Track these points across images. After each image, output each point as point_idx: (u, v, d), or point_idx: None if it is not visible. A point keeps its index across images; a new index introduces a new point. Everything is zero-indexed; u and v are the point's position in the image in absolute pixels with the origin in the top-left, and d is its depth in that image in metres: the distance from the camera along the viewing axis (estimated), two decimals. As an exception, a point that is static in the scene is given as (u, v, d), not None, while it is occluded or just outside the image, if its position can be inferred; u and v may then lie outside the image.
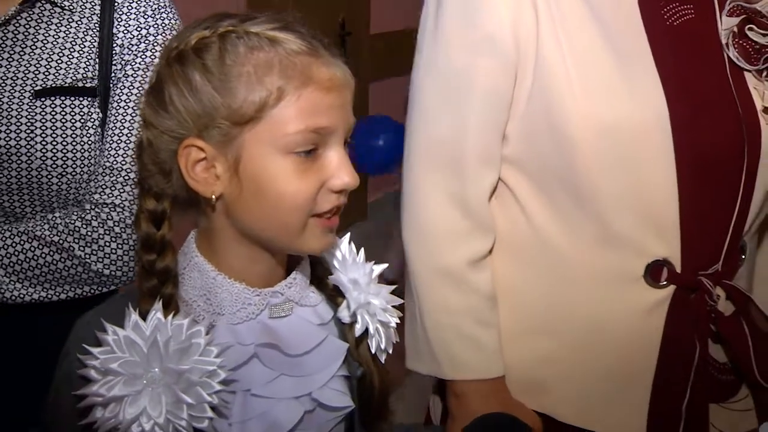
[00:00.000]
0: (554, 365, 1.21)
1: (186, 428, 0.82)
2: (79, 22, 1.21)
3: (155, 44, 1.22)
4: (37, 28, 1.19)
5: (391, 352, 1.00)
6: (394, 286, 1.00)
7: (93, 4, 1.22)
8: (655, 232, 1.15)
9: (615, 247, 1.16)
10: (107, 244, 1.18)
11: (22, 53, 1.18)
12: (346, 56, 0.93)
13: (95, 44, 1.21)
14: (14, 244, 1.15)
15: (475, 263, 1.19)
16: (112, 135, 1.20)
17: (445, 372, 1.21)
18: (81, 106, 1.19)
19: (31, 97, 1.16)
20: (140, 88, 1.20)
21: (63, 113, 1.18)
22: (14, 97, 1.16)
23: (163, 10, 1.25)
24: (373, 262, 1.00)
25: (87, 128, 1.19)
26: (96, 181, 1.19)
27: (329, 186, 0.87)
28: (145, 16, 1.23)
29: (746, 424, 1.27)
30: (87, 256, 1.17)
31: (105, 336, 0.82)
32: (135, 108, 1.20)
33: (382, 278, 1.01)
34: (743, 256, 1.24)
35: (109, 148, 1.19)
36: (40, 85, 1.17)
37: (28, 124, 1.15)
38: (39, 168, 1.15)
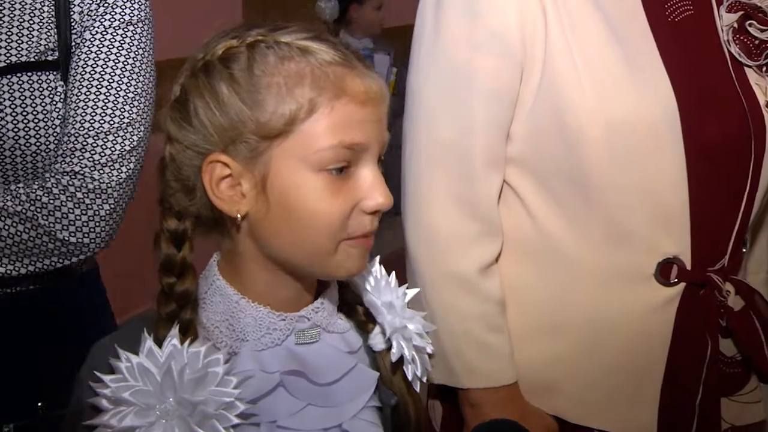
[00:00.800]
0: (563, 366, 1.18)
1: None
2: None
3: (114, 6, 1.18)
4: None
5: (425, 380, 0.95)
6: (425, 312, 0.96)
7: None
8: (664, 230, 1.14)
9: (625, 245, 1.14)
10: (70, 211, 1.13)
11: None
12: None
13: (53, 15, 1.16)
14: None
15: (485, 269, 1.16)
16: (72, 102, 1.16)
17: (460, 381, 1.17)
18: (48, 81, 1.15)
19: None
20: (99, 51, 1.16)
21: (31, 89, 1.14)
22: None
23: None
24: (405, 285, 0.95)
25: (55, 103, 1.15)
26: (60, 149, 1.15)
27: (362, 207, 0.81)
28: None
29: (753, 415, 1.26)
30: (51, 225, 1.13)
31: (118, 363, 0.77)
32: (93, 72, 1.16)
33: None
34: (744, 250, 1.23)
35: (70, 116, 1.15)
36: (4, 62, 1.12)
37: None
38: (12, 147, 1.11)
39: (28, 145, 1.13)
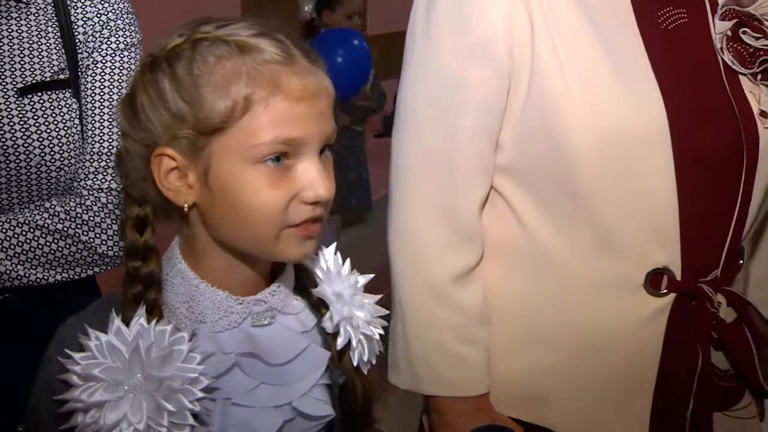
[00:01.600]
0: (553, 377, 1.16)
1: None
2: (37, 15, 1.20)
3: (117, 29, 1.23)
4: (0, 24, 1.18)
5: (374, 362, 0.97)
6: (379, 296, 0.97)
7: None
8: (655, 240, 1.11)
9: (614, 255, 1.12)
10: (109, 226, 1.19)
11: None
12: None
13: (58, 36, 1.20)
14: (17, 235, 1.14)
15: (461, 278, 1.14)
16: (93, 122, 1.20)
17: (426, 388, 1.17)
18: (64, 99, 1.19)
19: (16, 96, 1.15)
20: (111, 74, 1.21)
21: (51, 107, 1.18)
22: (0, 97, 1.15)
23: None
24: (358, 274, 0.96)
25: (73, 119, 1.19)
26: (85, 167, 1.19)
27: (301, 198, 0.83)
28: (102, 2, 1.22)
29: (750, 431, 1.23)
30: (91, 240, 1.18)
31: (87, 341, 0.79)
32: (110, 93, 1.20)
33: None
34: (741, 261, 1.19)
35: (94, 135, 1.19)
36: (21, 83, 1.16)
37: (22, 122, 1.15)
38: (38, 164, 1.15)
39: (53, 161, 1.17)
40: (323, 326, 0.94)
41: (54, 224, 1.16)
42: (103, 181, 1.19)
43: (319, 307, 0.94)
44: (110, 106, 1.20)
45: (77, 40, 1.21)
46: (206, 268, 0.88)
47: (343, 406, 0.96)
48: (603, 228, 1.11)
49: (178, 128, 0.82)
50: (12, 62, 1.17)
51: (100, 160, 1.19)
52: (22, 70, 1.17)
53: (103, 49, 1.21)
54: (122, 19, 1.23)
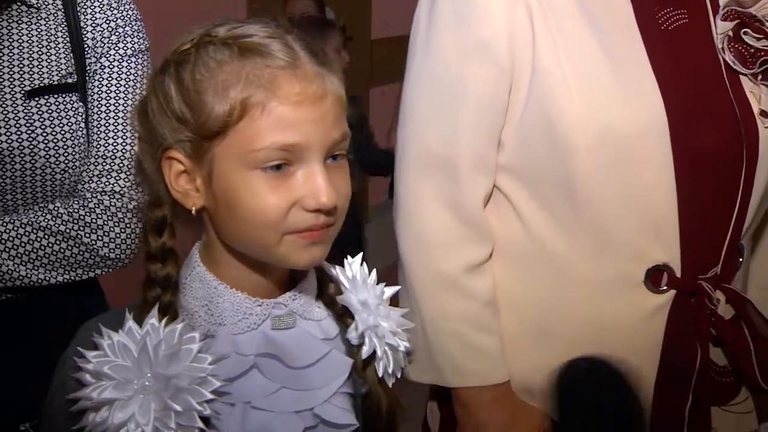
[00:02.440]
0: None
1: None
2: (47, 20, 1.20)
3: (125, 35, 1.24)
4: (11, 29, 1.19)
5: (399, 376, 0.95)
6: (406, 310, 0.96)
7: (56, 1, 1.21)
8: (654, 237, 1.11)
9: (614, 252, 1.12)
10: (111, 229, 1.19)
11: (2, 55, 1.17)
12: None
13: (67, 40, 1.21)
14: (20, 236, 1.15)
15: (472, 269, 1.15)
16: (99, 125, 1.20)
17: (448, 380, 1.16)
18: (71, 102, 1.20)
19: (23, 98, 1.16)
20: (118, 80, 1.22)
21: (57, 111, 1.18)
22: (7, 99, 1.15)
23: (123, 1, 1.26)
24: (384, 284, 0.95)
25: (78, 123, 1.20)
26: (90, 170, 1.19)
27: (302, 205, 0.81)
28: (110, 9, 1.24)
29: (747, 425, 1.23)
30: (93, 242, 1.18)
31: (100, 340, 0.79)
32: (116, 97, 1.21)
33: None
34: (741, 259, 1.19)
35: (99, 138, 1.20)
36: (29, 86, 1.17)
37: (28, 124, 1.15)
38: (43, 166, 1.16)
39: (57, 163, 1.17)
40: (348, 337, 0.92)
41: (57, 226, 1.17)
42: (107, 183, 1.20)
43: (343, 317, 0.92)
44: (115, 111, 1.21)
45: (86, 45, 1.21)
46: (225, 272, 0.87)
47: (365, 417, 0.94)
48: (603, 225, 1.11)
49: (182, 132, 0.82)
50: (21, 65, 1.17)
51: (104, 163, 1.20)
52: (31, 73, 1.18)
53: (110, 55, 1.22)
54: (131, 25, 1.24)
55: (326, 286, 0.93)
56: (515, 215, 1.17)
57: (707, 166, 1.10)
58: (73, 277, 1.20)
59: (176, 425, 0.77)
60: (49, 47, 1.20)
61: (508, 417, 1.17)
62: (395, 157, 1.19)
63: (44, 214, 1.17)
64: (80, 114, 1.20)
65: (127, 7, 1.26)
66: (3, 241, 1.14)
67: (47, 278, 1.17)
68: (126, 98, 1.22)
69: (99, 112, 1.21)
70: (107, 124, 1.20)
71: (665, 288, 1.13)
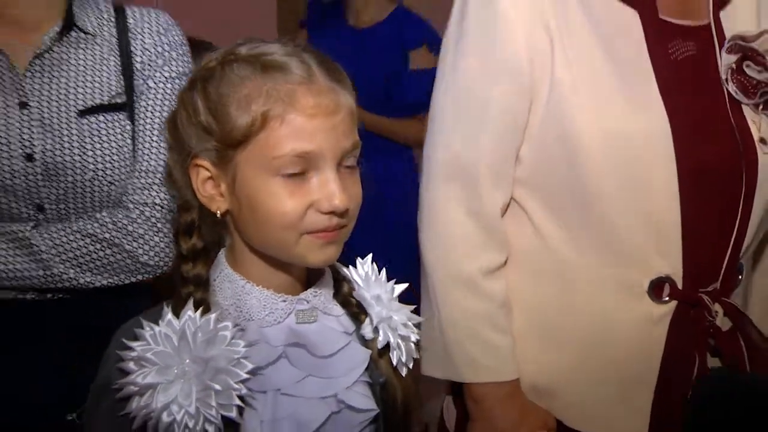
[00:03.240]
0: (562, 372, 1.23)
1: (215, 417, 0.83)
2: (101, 45, 1.30)
3: (170, 59, 1.32)
4: (69, 53, 1.28)
5: (411, 366, 1.02)
6: (414, 306, 1.03)
7: (110, 27, 1.31)
8: (658, 251, 1.18)
9: (621, 263, 1.19)
10: (151, 238, 1.27)
11: (60, 77, 1.27)
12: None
13: (119, 63, 1.30)
14: (70, 242, 1.24)
15: (489, 272, 1.22)
16: (143, 142, 1.29)
17: (462, 375, 1.24)
18: (119, 120, 1.29)
19: (76, 116, 1.26)
20: (163, 100, 1.30)
21: (106, 128, 1.27)
22: (62, 117, 1.25)
23: (171, 28, 1.35)
24: (394, 281, 1.02)
25: (125, 140, 1.28)
26: (134, 183, 1.28)
27: (317, 207, 0.88)
28: (158, 35, 1.32)
29: None
30: (135, 250, 1.26)
31: (142, 331, 0.86)
32: (161, 116, 1.29)
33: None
34: (740, 277, 1.26)
35: (143, 154, 1.28)
36: (82, 105, 1.26)
37: (79, 140, 1.25)
38: (92, 179, 1.25)
39: (104, 176, 1.26)
40: (362, 332, 0.99)
41: (102, 233, 1.25)
42: (149, 196, 1.28)
43: (358, 314, 0.99)
44: (159, 129, 1.29)
45: (135, 68, 1.30)
46: (250, 271, 0.94)
47: (383, 404, 0.99)
48: (611, 237, 1.19)
49: (208, 140, 0.90)
50: (76, 87, 1.27)
51: (147, 177, 1.28)
52: (84, 94, 1.27)
53: (156, 77, 1.31)
54: (176, 50, 1.33)
55: (341, 286, 1.00)
56: (530, 225, 1.25)
57: (709, 186, 1.17)
58: (116, 282, 1.28)
59: (216, 404, 0.83)
60: (101, 70, 1.29)
61: (518, 413, 1.24)
62: (423, 163, 1.27)
63: (92, 223, 1.26)
64: (127, 131, 1.29)
65: (173, 32, 1.34)
66: (56, 246, 1.24)
67: (93, 281, 1.27)
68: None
69: (144, 130, 1.29)
70: (151, 141, 1.29)
71: (667, 299, 1.20)
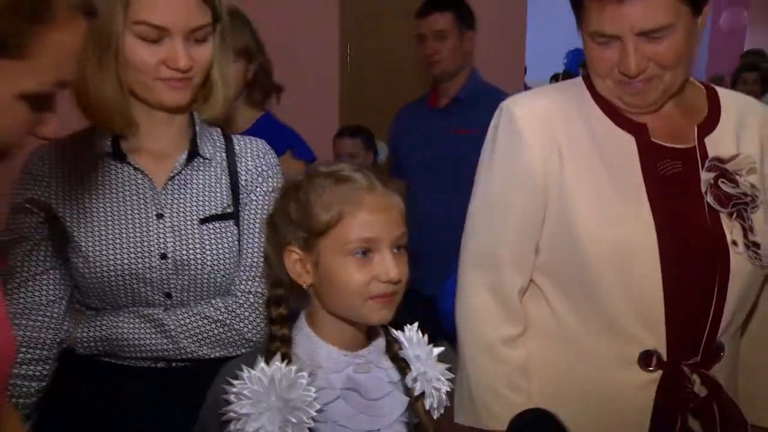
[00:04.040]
0: (569, 423, 1.43)
1: None
2: (216, 167, 1.55)
3: (268, 177, 1.57)
4: (193, 174, 1.53)
5: (442, 412, 1.28)
6: (449, 365, 1.29)
7: (221, 152, 1.57)
8: (646, 329, 1.44)
9: (617, 338, 1.45)
10: (254, 319, 1.52)
11: (186, 193, 1.51)
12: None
13: (228, 181, 1.55)
14: (192, 322, 1.49)
15: (507, 341, 1.50)
16: (247, 243, 1.53)
17: (483, 422, 1.51)
18: (228, 226, 1.53)
19: (198, 224, 1.50)
20: (262, 210, 1.55)
21: (220, 233, 1.52)
22: (188, 225, 1.50)
23: (268, 152, 1.61)
24: (433, 344, 1.29)
25: (233, 241, 1.52)
26: (240, 276, 1.52)
27: (378, 278, 1.17)
28: (258, 158, 1.58)
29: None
30: (242, 329, 1.51)
31: (241, 373, 1.13)
32: (260, 223, 1.51)
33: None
34: (722, 354, 1.49)
35: (246, 252, 1.54)
36: (202, 215, 1.51)
37: (200, 243, 1.50)
38: (209, 272, 1.50)
39: (218, 270, 1.50)
40: (405, 382, 1.24)
41: (217, 315, 1.49)
42: (252, 286, 1.51)
43: (404, 368, 1.25)
44: (260, 233, 1.50)
45: (240, 185, 1.55)
46: (322, 330, 1.22)
47: None
48: (609, 318, 1.45)
49: (299, 232, 1.19)
50: (197, 201, 1.52)
51: (250, 271, 1.52)
52: (203, 206, 1.52)
53: (257, 191, 1.56)
54: (271, 170, 1.58)
55: (391, 345, 1.27)
56: (547, 305, 1.53)
57: (688, 280, 1.42)
58: (226, 354, 1.49)
59: None
60: (216, 187, 1.54)
61: None
62: (460, 252, 1.57)
63: (209, 307, 1.49)
64: (235, 235, 1.52)
65: (270, 156, 1.60)
66: (181, 326, 1.47)
67: (208, 353, 1.49)
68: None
69: (247, 234, 1.53)
70: (253, 243, 1.53)
71: (653, 368, 1.45)
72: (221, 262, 1.52)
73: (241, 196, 1.56)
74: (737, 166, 1.44)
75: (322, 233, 1.18)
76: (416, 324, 1.30)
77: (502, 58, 4.23)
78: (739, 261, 1.43)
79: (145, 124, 1.49)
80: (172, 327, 1.49)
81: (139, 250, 1.48)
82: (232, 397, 1.13)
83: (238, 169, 1.57)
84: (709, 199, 1.45)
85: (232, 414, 1.13)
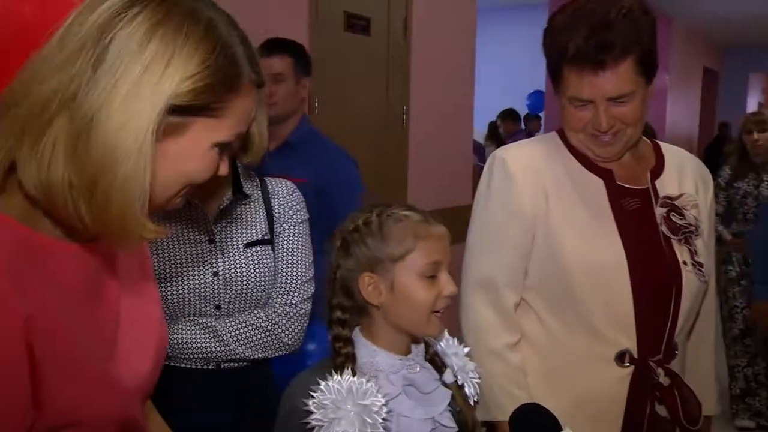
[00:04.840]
0: (559, 412, 1.66)
1: None
2: (255, 203, 1.85)
3: (296, 210, 1.88)
4: (237, 208, 1.82)
5: (476, 400, 1.54)
6: (475, 364, 1.55)
7: (258, 191, 1.86)
8: (621, 333, 1.75)
9: (597, 342, 1.76)
10: (291, 326, 1.81)
11: (233, 223, 1.81)
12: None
13: (265, 214, 1.85)
14: (240, 329, 1.77)
15: (509, 347, 1.78)
16: (282, 265, 1.85)
17: (493, 415, 1.78)
18: (266, 251, 1.83)
19: (243, 248, 1.80)
20: (293, 237, 1.85)
21: (259, 256, 1.82)
22: (234, 249, 1.80)
23: (294, 191, 1.90)
24: (464, 344, 1.55)
25: (270, 263, 1.82)
26: (277, 291, 1.82)
27: (443, 294, 1.41)
28: (287, 195, 1.89)
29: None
30: (280, 335, 1.79)
31: (319, 385, 1.27)
32: (292, 249, 1.86)
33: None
34: (677, 351, 1.84)
35: (281, 272, 1.84)
36: (246, 240, 1.81)
37: (245, 263, 1.80)
38: (252, 288, 1.80)
39: (259, 285, 1.80)
40: (444, 379, 1.47)
41: (260, 323, 1.78)
42: (287, 299, 1.81)
43: (441, 368, 1.48)
44: (292, 258, 1.84)
45: (274, 217, 1.85)
46: (382, 340, 1.43)
47: (460, 425, 1.48)
48: (591, 326, 1.76)
49: (377, 260, 1.40)
50: (241, 229, 1.82)
51: (285, 287, 1.82)
52: (246, 234, 1.82)
53: (288, 222, 1.86)
54: (299, 204, 1.89)
55: (429, 349, 1.50)
56: (537, 318, 1.83)
57: (651, 294, 1.75)
58: (267, 355, 1.80)
59: None
60: (255, 219, 1.84)
61: None
62: (461, 274, 1.87)
63: (253, 316, 1.78)
64: (271, 258, 1.83)
65: (297, 194, 1.90)
66: (231, 331, 1.75)
67: (252, 355, 1.78)
68: (297, 250, 1.86)
69: (281, 257, 1.84)
70: (285, 264, 1.84)
71: (627, 364, 1.77)
72: (262, 279, 1.81)
73: (275, 225, 1.86)
74: (684, 202, 1.80)
75: (397, 260, 1.41)
76: (446, 331, 1.57)
77: (455, 102, 4.60)
78: (689, 278, 1.78)
79: None
80: (224, 333, 1.76)
81: (195, 269, 1.75)
82: (312, 407, 1.28)
83: (272, 205, 1.87)
84: (663, 228, 1.80)
85: (313, 422, 1.28)
